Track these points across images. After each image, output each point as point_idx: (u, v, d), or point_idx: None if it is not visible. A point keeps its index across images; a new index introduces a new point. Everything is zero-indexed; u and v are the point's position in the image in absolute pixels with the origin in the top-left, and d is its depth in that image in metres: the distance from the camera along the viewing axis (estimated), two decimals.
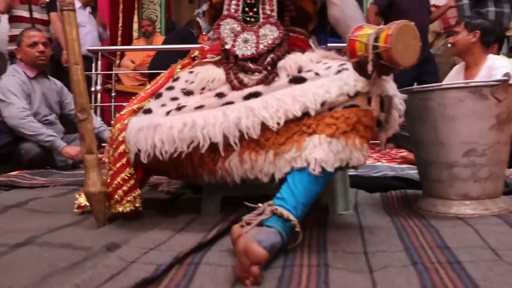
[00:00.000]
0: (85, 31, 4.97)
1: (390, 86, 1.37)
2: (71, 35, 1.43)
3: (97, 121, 3.50)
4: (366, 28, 1.29)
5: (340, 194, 1.68)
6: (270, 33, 1.66)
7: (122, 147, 1.51)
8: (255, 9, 1.69)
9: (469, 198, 1.62)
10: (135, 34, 6.96)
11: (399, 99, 1.41)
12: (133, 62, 6.16)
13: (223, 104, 1.47)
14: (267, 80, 1.55)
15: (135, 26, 6.96)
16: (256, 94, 1.47)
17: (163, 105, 1.56)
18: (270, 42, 1.64)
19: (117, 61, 6.31)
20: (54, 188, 2.27)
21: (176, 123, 1.43)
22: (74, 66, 1.44)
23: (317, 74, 1.44)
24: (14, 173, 2.81)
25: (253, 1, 1.69)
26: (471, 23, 3.12)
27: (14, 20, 4.22)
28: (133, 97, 1.65)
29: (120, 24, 6.62)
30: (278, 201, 1.28)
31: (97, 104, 4.75)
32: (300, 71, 1.53)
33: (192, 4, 8.03)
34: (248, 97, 1.47)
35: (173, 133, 1.42)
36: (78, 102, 1.45)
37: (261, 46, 1.64)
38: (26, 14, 4.23)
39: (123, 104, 5.09)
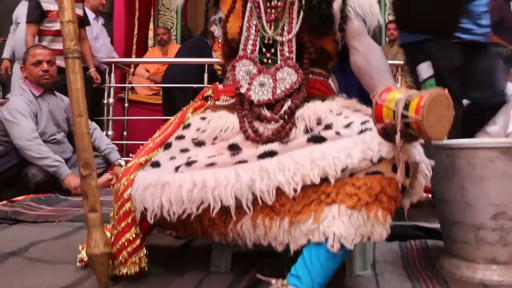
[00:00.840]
0: (100, 43, 4.95)
1: (417, 151, 1.26)
2: (75, 84, 1.35)
3: (104, 141, 3.43)
4: (394, 92, 1.19)
5: (358, 252, 1.57)
6: (288, 77, 1.56)
7: (127, 205, 1.42)
8: (273, 50, 1.60)
9: (496, 263, 1.51)
10: (150, 42, 6.89)
11: (426, 165, 1.30)
12: (147, 70, 6.09)
13: (236, 163, 1.37)
14: (284, 130, 1.46)
15: (151, 33, 6.89)
16: (271, 153, 1.37)
17: (172, 158, 1.47)
18: (288, 87, 1.55)
19: (131, 70, 6.25)
20: (60, 223, 2.19)
21: (185, 182, 1.34)
22: (78, 118, 1.35)
23: (338, 133, 1.34)
24: (20, 198, 2.75)
25: (270, 42, 1.59)
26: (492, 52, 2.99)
27: (46, 34, 4.17)
28: (141, 147, 1.55)
29: (135, 32, 6.55)
30: (293, 280, 1.18)
31: (109, 117, 4.68)
32: (319, 122, 1.43)
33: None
34: (263, 156, 1.37)
35: (182, 193, 1.33)
36: (81, 157, 1.36)
37: (278, 91, 1.55)
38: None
39: (136, 118, 5.15)
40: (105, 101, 4.67)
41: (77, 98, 1.35)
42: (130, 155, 1.93)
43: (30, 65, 3.20)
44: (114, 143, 4.68)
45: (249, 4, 1.61)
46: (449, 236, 1.62)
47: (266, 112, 1.53)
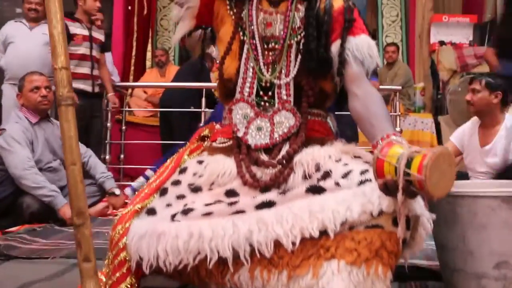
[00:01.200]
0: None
1: (417, 204, 1.24)
2: (69, 132, 1.32)
3: (99, 169, 3.40)
4: (396, 146, 1.17)
5: None
6: (285, 121, 1.54)
7: (122, 254, 1.38)
8: (270, 93, 1.58)
9: None
10: (148, 63, 6.90)
11: (427, 218, 1.27)
12: (145, 92, 6.07)
13: (234, 213, 1.35)
14: (282, 176, 1.43)
15: (149, 55, 6.90)
16: (269, 204, 1.35)
17: (168, 205, 1.44)
18: (285, 131, 1.52)
19: (129, 91, 6.24)
20: (54, 260, 2.15)
21: (181, 232, 1.31)
22: (71, 167, 1.32)
23: (337, 184, 1.31)
24: (14, 229, 2.71)
25: (268, 85, 1.57)
26: (493, 83, 2.98)
27: (71, 58, 4.15)
28: (136, 193, 1.52)
29: (133, 53, 6.55)
30: None
31: (106, 141, 4.66)
32: (318, 169, 1.40)
33: None
34: (261, 206, 1.35)
35: (178, 243, 1.30)
36: (75, 206, 1.32)
37: (276, 135, 1.52)
38: (86, 51, 4.28)
39: (133, 142, 5.12)
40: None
41: (70, 146, 1.32)
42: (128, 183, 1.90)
43: (28, 91, 3.18)
44: (111, 167, 4.71)
45: (246, 46, 1.58)
46: (450, 283, 1.59)
47: (263, 157, 1.51)
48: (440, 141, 5.71)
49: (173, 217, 1.38)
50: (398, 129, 4.74)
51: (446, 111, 5.91)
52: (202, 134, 1.76)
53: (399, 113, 4.90)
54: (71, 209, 1.34)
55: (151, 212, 1.43)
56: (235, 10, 1.62)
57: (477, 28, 6.65)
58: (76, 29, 4.24)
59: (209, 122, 2.49)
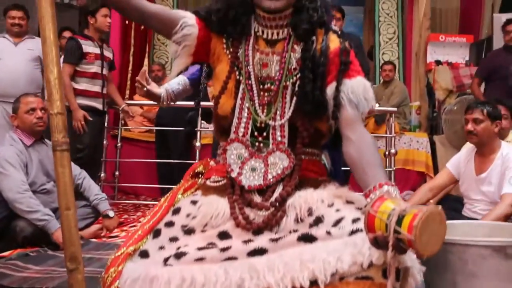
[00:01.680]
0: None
1: (408, 257, 1.25)
2: (63, 177, 1.33)
3: (93, 191, 3.39)
4: (387, 202, 1.18)
5: None
6: (279, 162, 1.55)
7: None
8: (265, 134, 1.59)
9: None
10: None
11: (417, 270, 1.28)
12: (141, 107, 6.09)
13: (226, 259, 1.35)
14: (275, 218, 1.44)
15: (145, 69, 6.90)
16: (261, 251, 1.35)
17: (161, 247, 1.44)
18: (279, 172, 1.53)
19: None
20: None
21: (174, 277, 1.31)
22: (65, 212, 1.33)
23: (328, 233, 1.32)
24: (6, 253, 2.71)
25: (263, 125, 1.58)
26: (493, 112, 2.99)
27: (83, 75, 4.25)
28: (130, 234, 1.53)
29: (130, 68, 6.57)
30: None
31: (102, 159, 4.67)
32: (310, 213, 1.41)
33: None
34: (253, 253, 1.35)
35: None
36: (68, 250, 1.33)
37: (270, 176, 1.53)
38: (98, 70, 4.32)
39: (129, 160, 5.11)
40: None
41: (65, 191, 1.33)
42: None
43: (24, 113, 3.17)
44: (106, 185, 4.72)
45: (241, 86, 1.60)
46: None
47: (257, 198, 1.52)
48: (435, 161, 5.74)
49: (165, 260, 1.38)
50: (393, 150, 4.76)
51: (442, 130, 5.95)
52: (196, 171, 1.77)
53: (394, 135, 4.91)
54: (65, 254, 1.35)
55: (144, 254, 1.43)
56: (231, 49, 1.63)
57: (474, 48, 6.70)
58: (89, 47, 4.28)
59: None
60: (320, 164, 1.68)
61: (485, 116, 2.95)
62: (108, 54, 4.50)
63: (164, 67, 6.60)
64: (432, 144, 5.85)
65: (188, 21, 1.59)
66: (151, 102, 5.48)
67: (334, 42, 1.58)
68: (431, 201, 3.25)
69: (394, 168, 4.79)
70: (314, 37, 1.58)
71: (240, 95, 1.60)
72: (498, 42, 6.02)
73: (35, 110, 3.18)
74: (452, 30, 7.84)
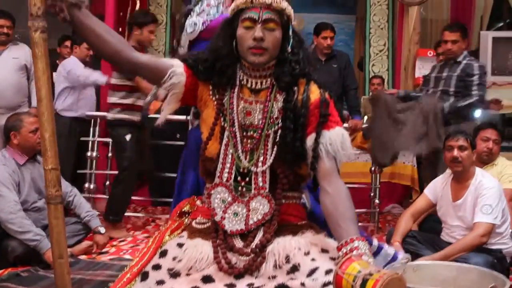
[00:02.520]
0: (85, 93, 4.96)
1: None
2: (57, 228, 1.42)
3: (84, 208, 3.47)
4: (355, 263, 1.29)
5: None
6: (261, 207, 1.65)
7: None
8: (247, 179, 1.69)
9: None
10: None
11: None
12: None
13: None
14: (255, 264, 1.56)
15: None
16: None
17: None
18: (260, 217, 1.64)
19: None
20: None
21: None
22: (58, 260, 1.42)
23: (303, 284, 1.43)
24: None
25: (245, 171, 1.68)
26: (473, 141, 3.09)
27: (121, 89, 4.19)
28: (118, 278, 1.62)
29: None
30: None
31: (92, 171, 4.73)
32: (288, 260, 1.53)
33: None
34: None
35: None
36: None
37: (251, 221, 1.64)
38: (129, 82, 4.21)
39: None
40: (89, 154, 4.71)
41: (58, 241, 1.42)
42: None
43: (28, 132, 3.22)
44: (96, 197, 4.78)
45: (226, 133, 1.69)
46: None
47: (239, 243, 1.62)
48: (420, 174, 5.84)
49: None
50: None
51: None
52: (183, 210, 1.86)
53: None
54: None
55: None
56: (217, 96, 1.72)
57: None
58: None
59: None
60: (299, 207, 1.78)
61: (468, 144, 3.02)
62: None
63: None
64: (418, 158, 5.95)
65: (176, 70, 1.68)
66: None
67: (314, 94, 1.68)
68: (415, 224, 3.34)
69: (379, 186, 4.88)
70: (295, 88, 1.67)
71: (224, 141, 1.69)
72: (484, 59, 6.13)
73: (38, 130, 3.25)
74: None
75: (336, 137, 1.66)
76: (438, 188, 3.21)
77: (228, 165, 1.69)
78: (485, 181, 2.97)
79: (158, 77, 1.68)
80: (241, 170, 1.68)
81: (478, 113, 4.16)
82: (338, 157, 1.65)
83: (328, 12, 9.59)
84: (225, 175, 1.69)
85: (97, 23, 1.58)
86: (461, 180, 3.06)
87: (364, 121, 5.23)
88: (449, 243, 3.00)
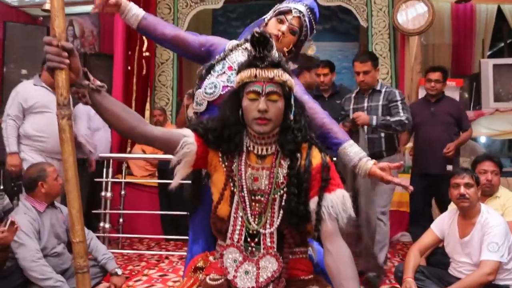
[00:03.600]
0: (100, 135, 5.14)
1: None
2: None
3: (101, 251, 3.61)
4: None
5: None
6: (270, 265, 1.77)
7: None
8: (256, 240, 1.81)
9: None
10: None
11: None
12: (143, 151, 6.30)
13: None
14: None
15: (147, 114, 7.14)
16: None
17: None
18: (269, 275, 1.76)
19: (128, 149, 6.49)
20: None
21: None
22: None
23: None
24: None
25: (254, 232, 1.81)
26: (478, 178, 3.17)
27: None
28: None
29: (134, 95, 6.80)
30: None
31: (106, 211, 4.87)
32: None
33: None
34: None
35: None
36: None
37: (261, 279, 1.76)
38: None
39: (133, 212, 5.31)
40: (103, 194, 4.86)
41: None
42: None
43: (53, 180, 3.40)
44: (110, 236, 4.91)
45: (236, 197, 1.83)
46: None
47: None
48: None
49: None
50: None
51: None
52: (197, 265, 1.99)
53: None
54: None
55: None
56: (226, 163, 1.86)
57: (463, 92, 6.93)
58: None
59: None
60: (306, 261, 1.90)
61: (474, 181, 3.11)
62: None
63: (165, 112, 6.82)
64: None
65: (188, 139, 1.83)
66: (153, 155, 5.63)
67: (316, 158, 1.82)
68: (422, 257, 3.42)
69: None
70: (298, 154, 1.81)
71: (234, 204, 1.83)
72: (486, 86, 6.26)
73: (58, 176, 3.45)
74: (445, 65, 8.07)
75: (337, 199, 1.78)
76: (445, 224, 3.28)
77: (238, 227, 1.81)
78: (491, 218, 3.04)
79: (171, 148, 1.82)
80: (250, 231, 1.81)
81: None
82: (340, 218, 1.78)
83: (332, 40, 9.80)
84: (236, 236, 1.82)
85: (114, 103, 1.73)
86: (467, 217, 3.13)
87: None
88: (457, 278, 3.08)
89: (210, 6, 7.85)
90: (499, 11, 7.89)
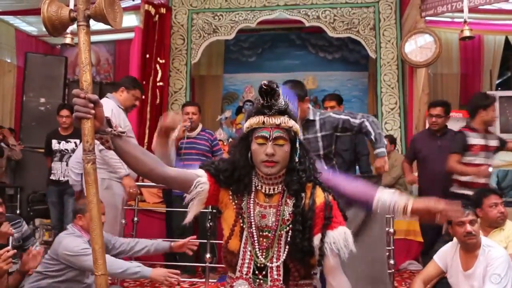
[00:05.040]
0: None
1: None
2: None
3: (142, 242, 3.71)
4: None
5: None
6: None
7: None
8: (264, 272, 1.94)
9: None
10: None
11: None
12: None
13: None
14: None
15: None
16: None
17: None
18: None
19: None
20: None
21: None
22: None
23: None
24: None
25: (262, 266, 1.93)
26: (474, 211, 3.25)
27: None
28: None
29: (145, 141, 6.97)
30: None
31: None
32: None
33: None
34: None
35: None
36: None
37: None
38: (481, 161, 4.40)
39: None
40: None
41: None
42: None
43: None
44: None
45: (245, 233, 1.96)
46: None
47: None
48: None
49: None
50: (391, 230, 5.00)
51: None
52: None
53: (392, 215, 5.17)
54: None
55: None
56: (236, 201, 2.00)
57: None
58: (474, 139, 4.43)
59: None
60: None
61: (475, 216, 3.19)
62: (492, 143, 4.58)
63: None
64: None
65: (201, 179, 1.97)
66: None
67: (319, 197, 1.95)
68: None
69: (393, 247, 5.04)
70: (303, 193, 1.95)
71: (243, 239, 1.96)
72: None
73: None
74: (453, 95, 8.20)
75: (339, 236, 1.90)
76: (448, 257, 3.34)
77: (247, 260, 1.94)
78: (493, 250, 3.10)
79: (186, 187, 1.96)
80: (258, 265, 1.94)
81: None
82: (342, 253, 1.90)
83: (342, 69, 9.99)
84: (245, 269, 1.95)
85: (134, 147, 1.88)
86: (470, 250, 3.18)
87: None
88: None
89: (223, 37, 8.10)
90: (507, 42, 8.04)
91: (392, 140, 6.82)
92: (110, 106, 4.32)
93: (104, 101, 4.24)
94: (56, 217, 5.90)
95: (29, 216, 6.63)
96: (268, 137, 1.89)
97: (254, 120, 1.93)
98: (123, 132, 1.80)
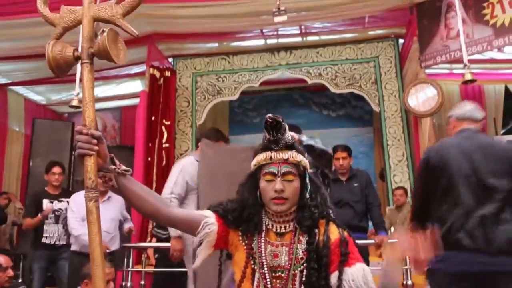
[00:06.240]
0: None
1: None
2: None
3: None
4: None
5: None
6: None
7: None
8: None
9: None
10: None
11: None
12: None
13: None
14: None
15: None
16: None
17: None
18: None
19: (148, 239, 6.52)
20: None
21: None
22: None
23: None
24: None
25: None
26: None
27: None
28: None
29: (154, 186, 6.92)
30: None
31: None
32: None
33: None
34: None
35: None
36: None
37: None
38: None
39: None
40: (123, 284, 4.86)
41: None
42: None
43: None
44: None
45: (257, 275, 1.87)
46: None
47: None
48: None
49: None
50: (410, 282, 4.84)
51: None
52: None
53: (409, 266, 5.03)
54: None
55: None
56: (246, 242, 1.92)
57: None
58: None
59: None
60: None
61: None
62: None
63: None
64: None
65: (209, 220, 1.90)
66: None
67: (334, 234, 1.87)
68: None
69: None
70: (316, 230, 1.87)
71: (255, 281, 1.86)
72: None
73: (109, 282, 3.58)
74: None
75: (358, 273, 1.80)
76: None
77: None
78: None
79: (193, 228, 1.89)
80: None
81: None
82: None
83: (348, 126, 10.03)
84: None
85: (139, 187, 1.83)
86: None
87: (389, 234, 5.31)
88: None
89: (226, 98, 8.20)
90: (507, 90, 8.09)
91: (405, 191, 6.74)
92: (182, 162, 4.28)
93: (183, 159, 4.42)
94: (41, 285, 5.41)
95: (30, 279, 6.44)
96: (277, 173, 1.84)
97: (261, 157, 1.89)
98: (127, 170, 1.75)
